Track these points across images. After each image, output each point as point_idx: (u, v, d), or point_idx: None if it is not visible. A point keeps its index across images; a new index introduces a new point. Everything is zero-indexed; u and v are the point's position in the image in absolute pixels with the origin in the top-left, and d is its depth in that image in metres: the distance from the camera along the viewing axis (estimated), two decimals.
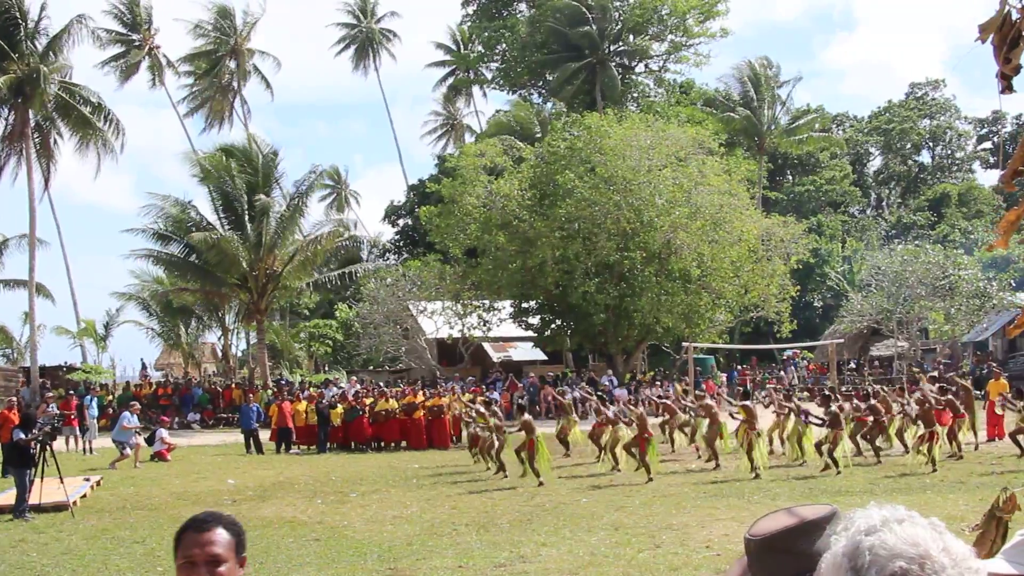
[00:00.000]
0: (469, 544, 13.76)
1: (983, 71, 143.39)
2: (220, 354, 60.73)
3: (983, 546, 4.11)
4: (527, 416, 21.86)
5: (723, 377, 47.99)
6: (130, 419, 27.90)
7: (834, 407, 21.67)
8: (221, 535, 3.20)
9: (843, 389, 33.58)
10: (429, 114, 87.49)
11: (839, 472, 20.20)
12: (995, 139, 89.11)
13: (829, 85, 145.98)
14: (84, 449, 30.89)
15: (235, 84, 70.91)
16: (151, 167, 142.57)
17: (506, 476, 21.31)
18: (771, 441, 24.34)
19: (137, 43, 64.35)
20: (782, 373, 50.76)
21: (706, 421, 23.99)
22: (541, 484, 19.92)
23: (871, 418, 23.00)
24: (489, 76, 78.77)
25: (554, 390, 40.86)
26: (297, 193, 44.84)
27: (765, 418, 24.81)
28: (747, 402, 22.31)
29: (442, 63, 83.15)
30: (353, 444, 30.79)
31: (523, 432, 21.15)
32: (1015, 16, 3.12)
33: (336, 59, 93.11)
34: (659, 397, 30.71)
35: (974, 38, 3.17)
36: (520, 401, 39.37)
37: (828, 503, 2.20)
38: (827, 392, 25.43)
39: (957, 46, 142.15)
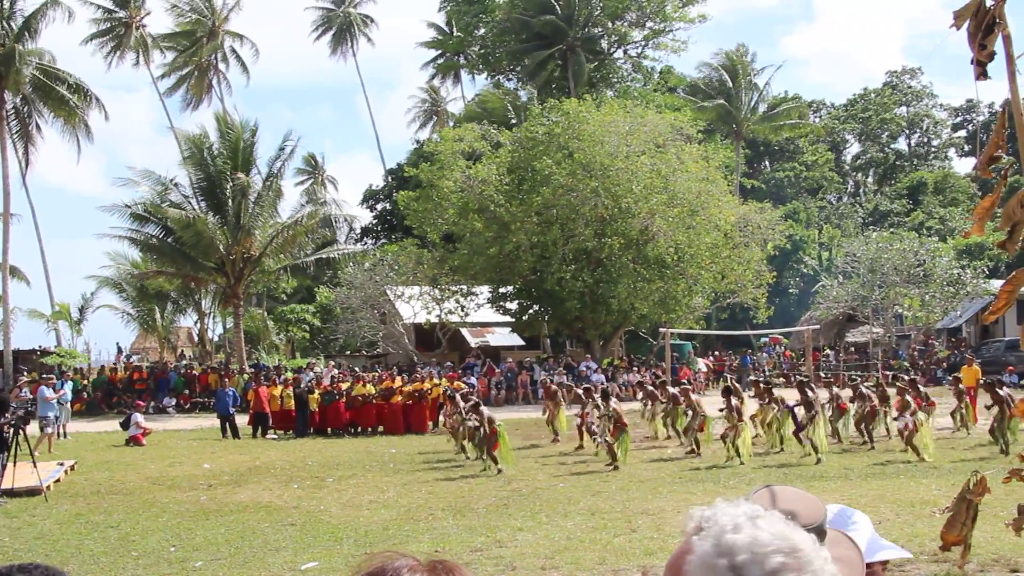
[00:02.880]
0: (446, 529, 13.78)
1: (958, 59, 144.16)
2: (196, 338, 60.47)
3: (952, 528, 4.13)
4: (484, 409, 21.62)
5: (732, 361, 48.54)
6: (47, 391, 27.67)
7: (809, 394, 21.78)
8: None
9: (820, 375, 33.81)
10: (412, 99, 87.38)
11: (820, 459, 20.26)
12: (970, 127, 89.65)
13: (792, 74, 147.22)
14: (57, 433, 30.65)
15: (213, 67, 70.54)
16: (120, 151, 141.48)
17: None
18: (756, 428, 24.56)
19: (125, 20, 63.87)
20: (754, 358, 51.02)
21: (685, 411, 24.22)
22: (500, 471, 19.77)
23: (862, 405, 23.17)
24: (474, 60, 78.61)
25: (530, 376, 41.06)
26: (272, 173, 44.53)
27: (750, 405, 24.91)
28: (731, 397, 22.22)
29: (429, 44, 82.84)
30: (330, 429, 30.73)
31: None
32: (989, 2, 3.12)
33: (313, 44, 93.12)
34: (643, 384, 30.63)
35: (949, 24, 3.18)
36: (474, 398, 39.42)
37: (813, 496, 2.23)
38: (803, 379, 25.58)
39: (915, 35, 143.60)
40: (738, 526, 1.64)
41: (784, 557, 1.58)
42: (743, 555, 1.59)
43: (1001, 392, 21.49)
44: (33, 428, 23.67)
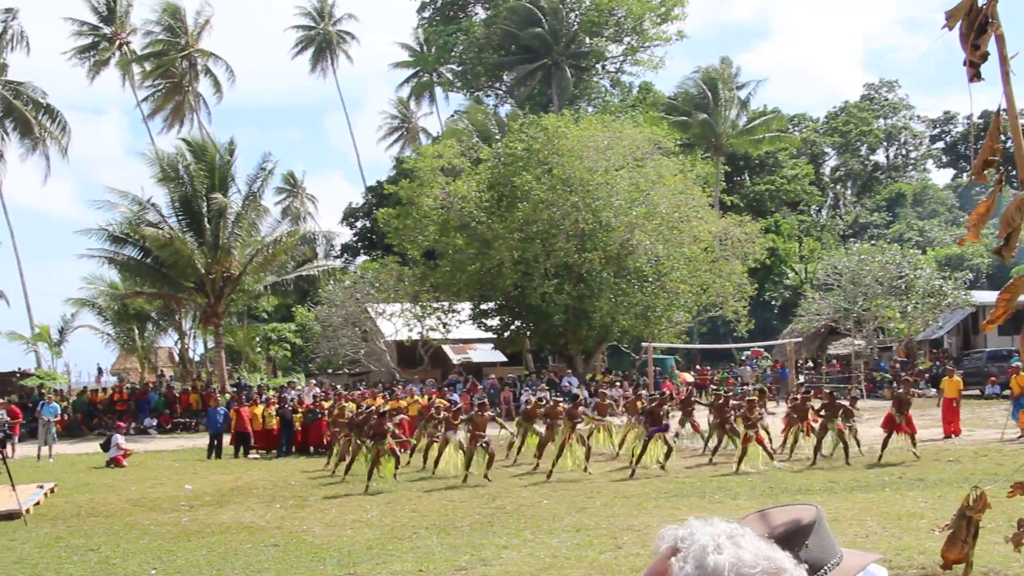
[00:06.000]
0: (430, 547, 13.64)
1: (935, 71, 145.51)
2: (177, 358, 60.14)
3: (954, 546, 4.02)
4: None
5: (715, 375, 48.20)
6: None
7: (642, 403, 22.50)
8: None
9: (802, 387, 33.90)
10: (384, 117, 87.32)
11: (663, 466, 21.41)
12: (947, 139, 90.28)
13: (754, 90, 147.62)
14: (38, 455, 30.28)
15: (187, 86, 70.08)
16: (90, 173, 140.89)
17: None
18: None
19: (109, 36, 63.48)
20: (736, 371, 50.96)
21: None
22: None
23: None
24: (449, 78, 78.86)
25: (513, 392, 40.94)
26: (251, 192, 44.28)
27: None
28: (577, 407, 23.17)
29: (403, 64, 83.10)
30: (312, 448, 30.53)
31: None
32: (981, 2, 3.05)
33: (286, 65, 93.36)
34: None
35: (940, 26, 3.10)
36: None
37: (808, 503, 2.13)
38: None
39: (872, 51, 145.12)
40: (720, 546, 1.58)
41: None
42: None
43: (840, 403, 22.44)
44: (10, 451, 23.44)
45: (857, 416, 22.99)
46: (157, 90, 69.18)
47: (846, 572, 2.11)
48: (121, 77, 65.42)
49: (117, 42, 63.47)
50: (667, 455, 21.81)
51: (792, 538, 2.03)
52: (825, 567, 2.07)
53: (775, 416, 27.65)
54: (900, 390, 22.93)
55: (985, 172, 3.38)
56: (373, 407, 24.30)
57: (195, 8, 69.73)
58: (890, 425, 22.19)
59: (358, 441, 22.34)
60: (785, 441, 23.69)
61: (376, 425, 21.48)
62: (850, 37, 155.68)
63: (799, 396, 24.67)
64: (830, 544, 2.14)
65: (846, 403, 22.78)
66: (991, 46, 3.08)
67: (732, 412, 23.37)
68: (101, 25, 63.33)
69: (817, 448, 21.82)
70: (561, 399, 25.27)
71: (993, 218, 3.81)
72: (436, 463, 23.10)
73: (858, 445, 22.33)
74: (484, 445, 21.31)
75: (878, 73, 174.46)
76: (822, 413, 22.34)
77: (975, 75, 3.14)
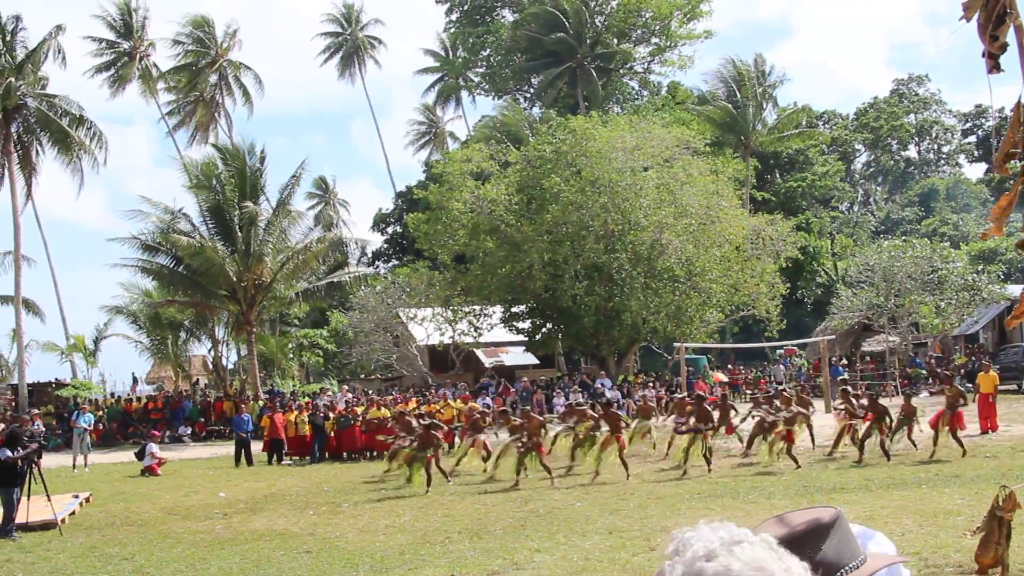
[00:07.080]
0: (462, 552, 13.63)
1: (965, 65, 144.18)
2: (211, 366, 60.42)
3: (987, 549, 3.93)
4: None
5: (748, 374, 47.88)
6: None
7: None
8: None
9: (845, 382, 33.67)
10: (410, 122, 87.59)
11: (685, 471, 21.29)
12: (980, 132, 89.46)
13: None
14: (73, 465, 30.53)
15: (217, 97, 70.27)
16: (120, 184, 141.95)
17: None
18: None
19: (128, 51, 63.75)
20: (770, 370, 50.63)
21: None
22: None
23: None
24: (476, 81, 78.98)
25: (546, 395, 40.91)
26: (283, 199, 44.42)
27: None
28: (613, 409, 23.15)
29: (428, 70, 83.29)
30: (345, 454, 30.62)
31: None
32: None
33: (317, 69, 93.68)
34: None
35: (958, 17, 3.04)
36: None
37: (830, 505, 2.09)
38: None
39: (897, 46, 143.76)
40: (711, 553, 1.55)
41: None
42: None
43: (869, 403, 22.49)
44: (47, 461, 23.59)
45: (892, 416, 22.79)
46: (184, 103, 69.45)
47: (863, 574, 2.06)
48: (146, 92, 65.57)
49: (137, 56, 63.68)
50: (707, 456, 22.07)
51: (810, 539, 1.99)
52: (843, 569, 2.02)
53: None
54: (944, 390, 22.71)
55: (1008, 165, 3.32)
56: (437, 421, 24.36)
57: (225, 20, 69.91)
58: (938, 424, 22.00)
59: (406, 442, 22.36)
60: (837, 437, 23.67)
61: (423, 436, 21.45)
62: (873, 34, 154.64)
63: (844, 393, 24.51)
64: (851, 546, 2.10)
65: (884, 406, 22.72)
66: (1010, 36, 3.02)
67: (768, 411, 23.20)
68: (119, 41, 63.61)
69: (861, 448, 21.68)
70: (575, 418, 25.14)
71: (1017, 212, 3.74)
72: (449, 465, 23.46)
73: (914, 445, 22.25)
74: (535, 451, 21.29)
75: (903, 69, 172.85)
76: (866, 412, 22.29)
77: (994, 66, 3.07)
